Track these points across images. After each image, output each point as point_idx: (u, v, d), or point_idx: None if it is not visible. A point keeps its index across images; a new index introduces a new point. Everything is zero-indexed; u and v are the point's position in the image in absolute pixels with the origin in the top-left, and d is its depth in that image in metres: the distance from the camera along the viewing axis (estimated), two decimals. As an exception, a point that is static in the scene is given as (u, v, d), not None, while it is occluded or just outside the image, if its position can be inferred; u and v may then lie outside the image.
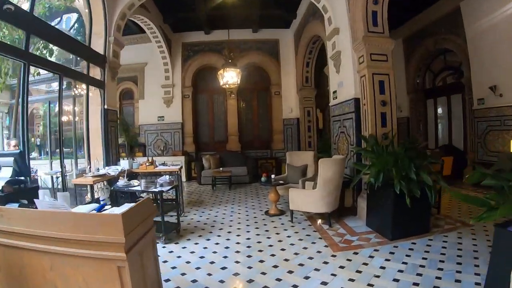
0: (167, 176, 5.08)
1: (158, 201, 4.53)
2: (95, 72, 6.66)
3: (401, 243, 4.16)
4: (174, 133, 10.95)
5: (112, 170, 5.68)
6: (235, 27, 10.34)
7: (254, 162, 9.99)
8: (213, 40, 10.99)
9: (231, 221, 5.55)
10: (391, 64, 5.48)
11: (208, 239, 4.62)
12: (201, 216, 5.94)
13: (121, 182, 4.87)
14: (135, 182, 4.90)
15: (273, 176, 6.08)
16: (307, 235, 4.66)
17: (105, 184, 5.62)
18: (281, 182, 6.10)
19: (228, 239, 4.60)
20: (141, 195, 4.77)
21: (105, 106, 6.72)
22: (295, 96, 10.91)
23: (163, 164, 6.73)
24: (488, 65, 7.23)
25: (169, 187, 4.72)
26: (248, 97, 11.37)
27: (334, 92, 6.67)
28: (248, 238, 4.61)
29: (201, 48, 11.14)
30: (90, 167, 5.59)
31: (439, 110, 10.40)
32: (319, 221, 5.31)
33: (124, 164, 6.21)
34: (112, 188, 4.93)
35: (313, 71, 10.59)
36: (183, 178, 10.22)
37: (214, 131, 11.36)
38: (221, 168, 8.75)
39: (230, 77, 8.27)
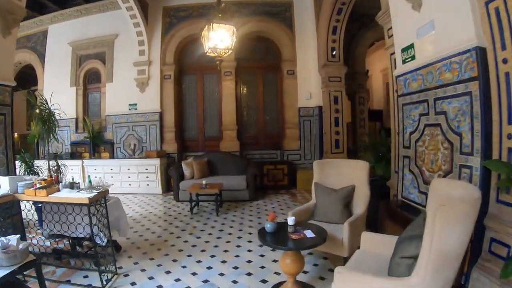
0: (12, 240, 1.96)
1: None
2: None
3: None
4: (149, 127, 7.84)
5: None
6: (233, -18, 7.12)
7: (258, 168, 6.78)
8: (203, 3, 7.74)
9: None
10: None
11: None
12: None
13: None
14: None
15: (290, 219, 2.87)
16: None
17: None
18: (302, 234, 2.89)
19: None
20: None
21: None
22: (316, 76, 7.62)
23: (90, 186, 3.44)
24: None
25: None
26: (251, 78, 8.13)
27: (407, 48, 3.41)
28: None
29: (188, 14, 7.93)
30: None
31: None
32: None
33: (3, 183, 3.09)
34: None
35: (342, 41, 7.31)
36: (158, 190, 7.14)
37: (204, 124, 8.19)
38: (204, 182, 5.54)
39: (219, 39, 5.01)
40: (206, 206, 5.92)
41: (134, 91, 7.86)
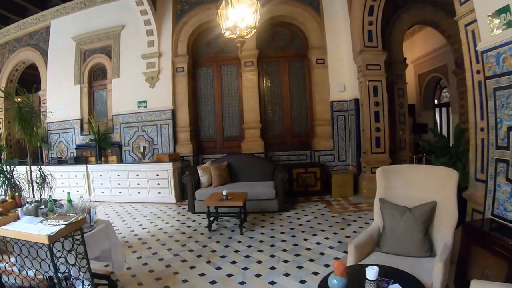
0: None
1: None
2: None
3: None
4: (161, 127, 6.83)
5: None
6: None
7: (287, 172, 5.58)
8: (220, -15, 6.68)
9: None
10: None
11: None
12: None
13: None
14: None
15: (371, 272, 1.72)
16: None
17: None
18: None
19: None
20: None
21: None
22: (350, 65, 6.45)
23: (66, 211, 2.35)
24: None
25: None
26: (275, 68, 7.02)
27: (502, 12, 2.29)
28: None
29: (202, -2, 6.90)
30: None
31: None
32: None
33: None
34: None
35: (380, 23, 6.12)
36: (171, 198, 6.12)
37: (223, 123, 7.10)
38: (224, 192, 4.42)
39: (239, 17, 3.91)
40: (227, 220, 4.84)
41: (143, 87, 6.88)
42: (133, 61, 6.97)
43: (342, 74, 6.68)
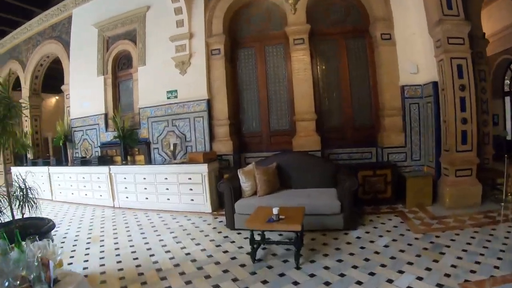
0: None
1: None
2: None
3: None
4: (194, 120, 5.69)
5: None
6: None
7: (351, 176, 4.23)
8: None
9: None
10: None
11: None
12: None
13: None
14: None
15: None
16: None
17: None
18: None
19: None
20: None
21: None
22: (425, 40, 4.98)
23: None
24: None
25: None
26: (330, 47, 5.66)
27: None
28: None
29: (239, -33, 5.70)
30: None
31: None
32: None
33: None
34: None
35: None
36: (207, 207, 5.00)
37: (269, 114, 5.82)
38: (275, 211, 3.09)
39: None
40: (275, 255, 3.44)
41: (172, 74, 5.79)
42: (161, 45, 5.91)
43: (413, 52, 5.22)
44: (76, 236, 4.33)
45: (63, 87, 7.66)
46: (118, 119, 5.96)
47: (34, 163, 7.50)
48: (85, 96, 6.94)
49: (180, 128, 5.75)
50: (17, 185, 2.73)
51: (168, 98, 5.81)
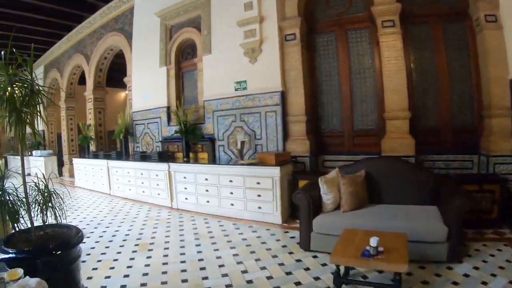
0: None
1: None
2: None
3: None
4: (266, 115, 5.02)
5: None
6: None
7: (461, 192, 3.24)
8: None
9: None
10: None
11: None
12: None
13: None
14: None
15: None
16: None
17: None
18: None
19: None
20: None
21: None
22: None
23: None
24: None
25: None
26: (423, 32, 4.59)
27: None
28: None
29: None
30: None
31: None
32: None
33: None
34: None
35: None
36: (276, 217, 4.31)
37: (353, 110, 4.94)
38: (374, 243, 2.24)
39: None
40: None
41: (241, 63, 5.17)
42: (228, 31, 5.32)
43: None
44: (123, 240, 3.90)
45: (125, 79, 7.50)
46: (181, 113, 5.52)
47: (96, 156, 7.46)
48: (147, 88, 6.66)
49: (249, 124, 5.12)
50: (36, 188, 2.25)
51: (236, 90, 5.21)
